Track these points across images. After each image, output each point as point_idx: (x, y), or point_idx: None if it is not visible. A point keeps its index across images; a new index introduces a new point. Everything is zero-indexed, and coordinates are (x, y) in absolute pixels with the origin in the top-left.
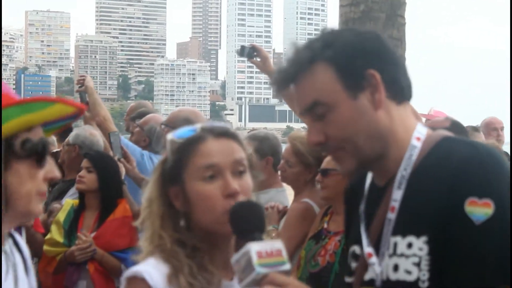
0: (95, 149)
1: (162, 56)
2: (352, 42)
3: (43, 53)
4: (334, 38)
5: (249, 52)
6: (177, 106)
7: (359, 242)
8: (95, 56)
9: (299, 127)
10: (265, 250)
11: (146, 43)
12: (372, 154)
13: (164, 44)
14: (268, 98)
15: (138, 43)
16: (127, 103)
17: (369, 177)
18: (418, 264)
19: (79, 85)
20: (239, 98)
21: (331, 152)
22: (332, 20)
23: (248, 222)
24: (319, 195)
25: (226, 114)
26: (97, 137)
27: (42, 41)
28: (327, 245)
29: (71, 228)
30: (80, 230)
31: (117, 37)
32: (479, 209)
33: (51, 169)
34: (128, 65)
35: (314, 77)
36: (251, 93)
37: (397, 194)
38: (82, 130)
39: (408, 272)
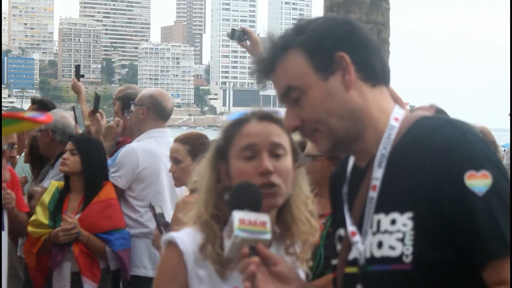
0: (68, 131)
1: (146, 40)
2: (322, 27)
3: (26, 35)
4: (306, 25)
5: (240, 35)
6: None
7: (343, 225)
8: (79, 40)
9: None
10: (248, 219)
11: (130, 27)
12: (346, 134)
13: (148, 28)
14: (252, 83)
15: (122, 26)
16: (111, 87)
17: (351, 160)
18: (402, 240)
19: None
20: (223, 83)
21: (308, 135)
22: (317, 5)
23: (241, 199)
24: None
25: (210, 99)
26: (69, 119)
27: (26, 24)
28: None
29: (56, 209)
30: (65, 212)
31: (101, 21)
32: (479, 181)
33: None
34: (112, 48)
35: (287, 63)
36: (235, 77)
37: (378, 173)
38: (53, 114)
39: (392, 248)
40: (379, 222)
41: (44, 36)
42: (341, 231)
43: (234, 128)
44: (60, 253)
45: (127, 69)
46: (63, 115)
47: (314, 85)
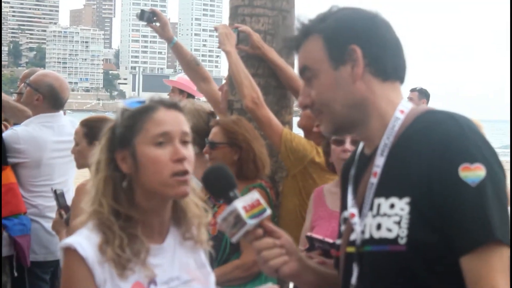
0: None
1: (55, 23)
2: (343, 18)
3: None
4: (330, 14)
5: (149, 17)
6: (70, 74)
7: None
8: None
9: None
10: (247, 204)
11: (38, 9)
12: (347, 121)
13: (57, 11)
14: (162, 68)
15: (30, 9)
16: (18, 70)
17: (360, 146)
18: (398, 223)
19: None
20: (133, 68)
21: (315, 115)
22: None
23: (222, 183)
24: (207, 166)
25: (119, 83)
26: None
27: None
28: (216, 214)
29: None
30: None
31: (8, 2)
32: (473, 173)
33: None
34: (20, 31)
35: (307, 46)
36: (145, 62)
37: (380, 161)
38: None
39: (389, 230)
40: (379, 206)
41: None
42: (346, 213)
43: (141, 115)
44: None
45: (34, 52)
46: None
47: (325, 72)
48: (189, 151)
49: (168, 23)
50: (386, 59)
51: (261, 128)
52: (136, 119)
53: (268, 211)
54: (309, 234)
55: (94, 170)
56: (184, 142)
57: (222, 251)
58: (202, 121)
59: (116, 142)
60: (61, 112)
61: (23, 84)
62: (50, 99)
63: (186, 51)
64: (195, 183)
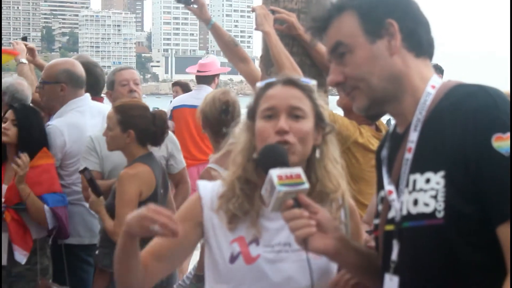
0: (18, 97)
1: (87, 7)
2: None
3: None
4: None
5: None
6: (103, 58)
7: (384, 186)
8: (18, 7)
9: (225, 79)
10: (285, 174)
11: None
12: (384, 94)
13: None
14: (195, 50)
15: None
16: (52, 55)
17: (392, 127)
18: (435, 197)
19: None
20: (165, 50)
21: (348, 92)
22: None
23: (272, 159)
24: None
25: (152, 66)
26: (23, 87)
27: None
28: None
29: None
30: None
31: None
32: (506, 143)
33: None
34: (52, 16)
35: (341, 22)
36: (177, 44)
37: (413, 136)
38: (10, 77)
39: (426, 205)
40: (415, 182)
41: None
42: (382, 193)
43: (261, 92)
44: None
45: (67, 37)
46: (21, 82)
47: (361, 46)
48: (299, 125)
49: (205, 4)
50: (420, 34)
51: None
52: (258, 95)
53: (306, 185)
54: None
55: (235, 144)
56: (294, 116)
57: None
58: (214, 110)
59: (248, 116)
60: (87, 94)
61: (39, 84)
62: (72, 82)
63: (224, 32)
64: (332, 158)
